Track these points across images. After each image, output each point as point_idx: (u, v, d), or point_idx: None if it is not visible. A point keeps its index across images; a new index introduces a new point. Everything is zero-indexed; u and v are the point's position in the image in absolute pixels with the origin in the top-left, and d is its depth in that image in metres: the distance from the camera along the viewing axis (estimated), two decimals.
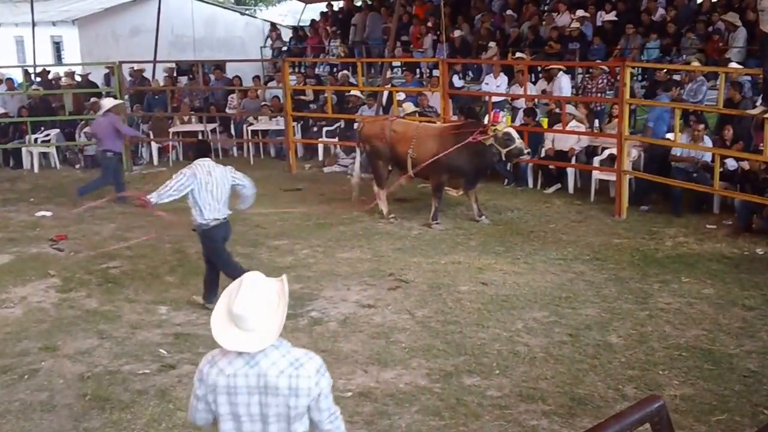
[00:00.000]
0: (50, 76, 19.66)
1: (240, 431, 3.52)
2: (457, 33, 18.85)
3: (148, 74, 19.86)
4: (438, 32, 18.91)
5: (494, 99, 14.48)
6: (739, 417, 5.88)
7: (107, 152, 13.00)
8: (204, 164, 7.89)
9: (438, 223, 11.19)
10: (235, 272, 7.28)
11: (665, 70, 14.09)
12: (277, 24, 26.68)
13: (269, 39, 24.80)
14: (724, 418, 5.87)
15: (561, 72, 14.99)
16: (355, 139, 12.87)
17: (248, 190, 8.22)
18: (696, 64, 13.12)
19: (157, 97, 18.25)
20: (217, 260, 8.15)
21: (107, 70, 19.18)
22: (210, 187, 7.77)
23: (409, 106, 14.16)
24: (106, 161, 13.13)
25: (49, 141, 17.01)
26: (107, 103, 13.29)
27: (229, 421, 3.51)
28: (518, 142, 10.90)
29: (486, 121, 12.63)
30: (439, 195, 11.33)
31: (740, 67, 12.97)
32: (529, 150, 11.45)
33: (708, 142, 11.37)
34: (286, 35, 25.58)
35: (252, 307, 3.40)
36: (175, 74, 20.28)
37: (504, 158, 11.09)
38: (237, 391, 3.45)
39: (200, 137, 16.87)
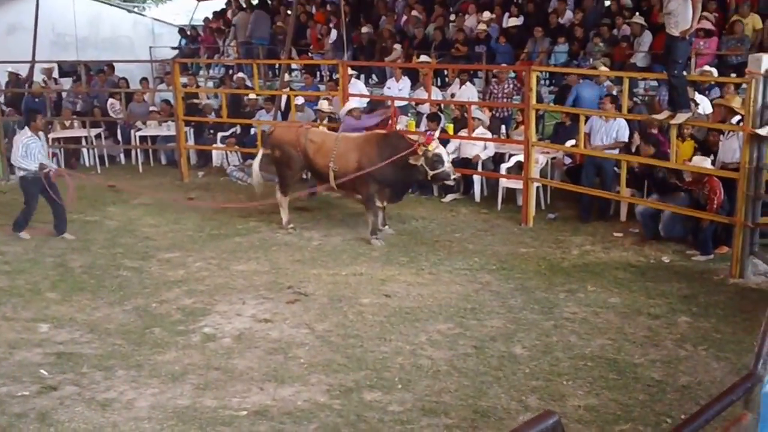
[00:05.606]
0: None
1: None
2: (361, 31, 19.11)
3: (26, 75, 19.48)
4: (339, 33, 19.12)
5: (397, 103, 14.70)
6: (643, 426, 6.12)
7: None
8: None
9: (378, 239, 11.02)
10: None
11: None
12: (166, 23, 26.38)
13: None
14: (628, 428, 6.10)
15: (467, 82, 15.36)
16: (252, 145, 12.85)
17: None
18: (603, 68, 13.55)
19: (37, 100, 17.84)
20: None
21: None
22: None
23: None
24: None
25: None
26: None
27: None
28: (446, 166, 10.69)
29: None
30: (372, 207, 11.14)
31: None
32: (458, 175, 11.27)
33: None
34: (174, 38, 25.37)
35: None
36: (56, 75, 19.89)
37: (429, 179, 10.90)
38: None
39: (83, 143, 16.74)
